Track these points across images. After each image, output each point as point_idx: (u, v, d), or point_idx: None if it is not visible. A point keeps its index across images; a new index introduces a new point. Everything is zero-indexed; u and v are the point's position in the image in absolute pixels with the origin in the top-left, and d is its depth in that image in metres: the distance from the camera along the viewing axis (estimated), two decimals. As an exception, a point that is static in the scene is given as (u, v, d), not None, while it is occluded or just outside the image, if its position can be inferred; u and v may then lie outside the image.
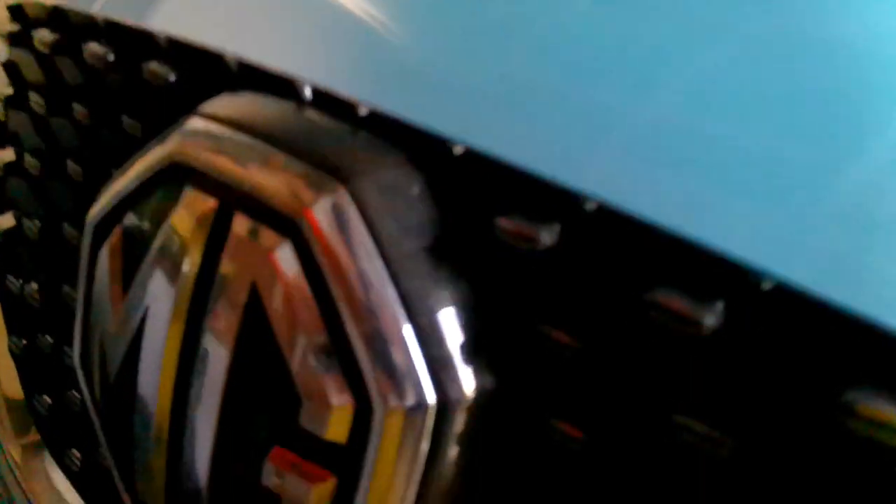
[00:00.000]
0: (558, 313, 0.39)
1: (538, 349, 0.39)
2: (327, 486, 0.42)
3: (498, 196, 0.39)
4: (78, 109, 0.56)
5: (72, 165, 0.63)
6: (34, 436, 0.76)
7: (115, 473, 0.55)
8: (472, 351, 0.40)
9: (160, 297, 0.46)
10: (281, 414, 0.43)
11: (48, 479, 0.74)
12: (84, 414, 0.71)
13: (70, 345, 0.67)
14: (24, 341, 0.71)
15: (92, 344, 0.53)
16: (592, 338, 0.38)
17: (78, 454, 0.70)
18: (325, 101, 0.45)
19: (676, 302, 0.34)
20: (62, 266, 0.68)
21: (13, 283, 0.71)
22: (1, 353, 0.77)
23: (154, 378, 0.47)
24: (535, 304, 0.40)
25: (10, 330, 0.74)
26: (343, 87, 0.45)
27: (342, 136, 0.43)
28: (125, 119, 0.53)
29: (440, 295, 0.40)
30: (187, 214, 0.43)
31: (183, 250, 0.44)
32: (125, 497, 0.56)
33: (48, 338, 0.69)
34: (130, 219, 0.48)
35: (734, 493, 0.33)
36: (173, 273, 0.45)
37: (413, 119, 0.42)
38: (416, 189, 0.40)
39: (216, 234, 0.43)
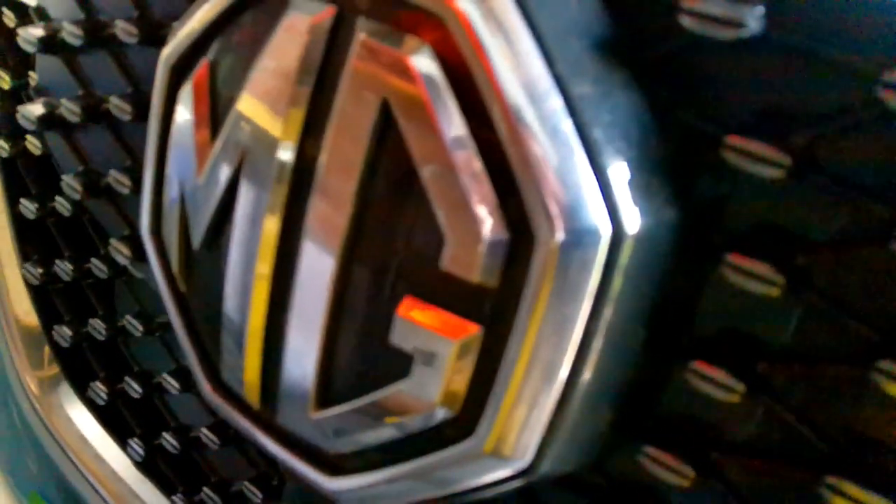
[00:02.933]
0: (755, 122, 0.33)
1: (726, 170, 0.33)
2: (472, 340, 0.36)
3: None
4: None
5: (122, 25, 0.56)
6: (51, 369, 0.71)
7: (192, 356, 0.50)
8: (651, 173, 0.34)
9: (260, 138, 0.39)
10: (415, 258, 0.37)
11: (66, 414, 0.69)
12: (110, 343, 0.65)
13: (89, 273, 0.62)
14: (41, 269, 0.65)
15: (167, 208, 0.46)
16: (801, 155, 0.32)
17: (103, 387, 0.65)
18: None
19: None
20: (108, 153, 0.61)
21: (26, 206, 0.65)
22: (14, 281, 0.71)
23: (254, 234, 0.41)
24: (727, 112, 0.33)
25: (25, 257, 0.68)
26: None
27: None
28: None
29: (614, 104, 0.34)
30: (296, 29, 0.37)
31: (291, 74, 0.37)
32: (206, 386, 0.50)
33: (67, 264, 0.63)
34: (218, 49, 0.41)
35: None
36: (277, 105, 0.38)
37: None
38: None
39: (334, 48, 0.36)
